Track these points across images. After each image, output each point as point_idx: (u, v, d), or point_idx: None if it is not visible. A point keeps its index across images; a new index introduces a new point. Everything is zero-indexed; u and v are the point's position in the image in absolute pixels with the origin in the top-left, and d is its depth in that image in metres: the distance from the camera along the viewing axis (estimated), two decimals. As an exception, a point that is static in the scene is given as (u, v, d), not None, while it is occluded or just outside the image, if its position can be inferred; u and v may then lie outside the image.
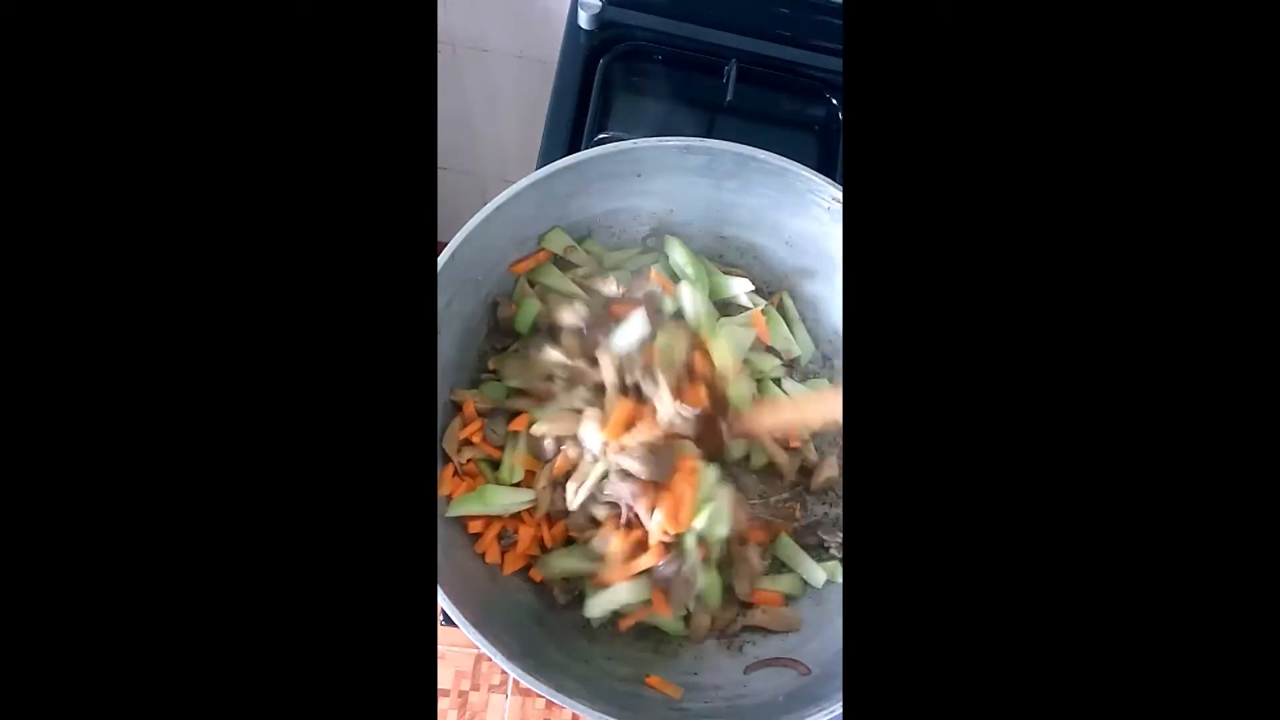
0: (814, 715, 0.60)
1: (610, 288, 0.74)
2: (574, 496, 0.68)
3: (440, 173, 1.43)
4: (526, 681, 0.58)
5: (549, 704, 1.39)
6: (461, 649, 1.50)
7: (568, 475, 0.70)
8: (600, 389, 0.70)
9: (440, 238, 0.74)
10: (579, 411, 0.70)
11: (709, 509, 0.66)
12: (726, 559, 0.72)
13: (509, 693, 1.48)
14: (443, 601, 0.58)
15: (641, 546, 0.67)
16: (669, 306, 0.73)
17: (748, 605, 0.73)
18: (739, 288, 0.78)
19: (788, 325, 0.80)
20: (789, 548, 0.75)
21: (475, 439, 0.72)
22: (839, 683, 0.62)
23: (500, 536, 0.71)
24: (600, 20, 0.89)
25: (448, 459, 0.71)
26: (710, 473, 0.68)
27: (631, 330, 0.69)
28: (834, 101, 0.91)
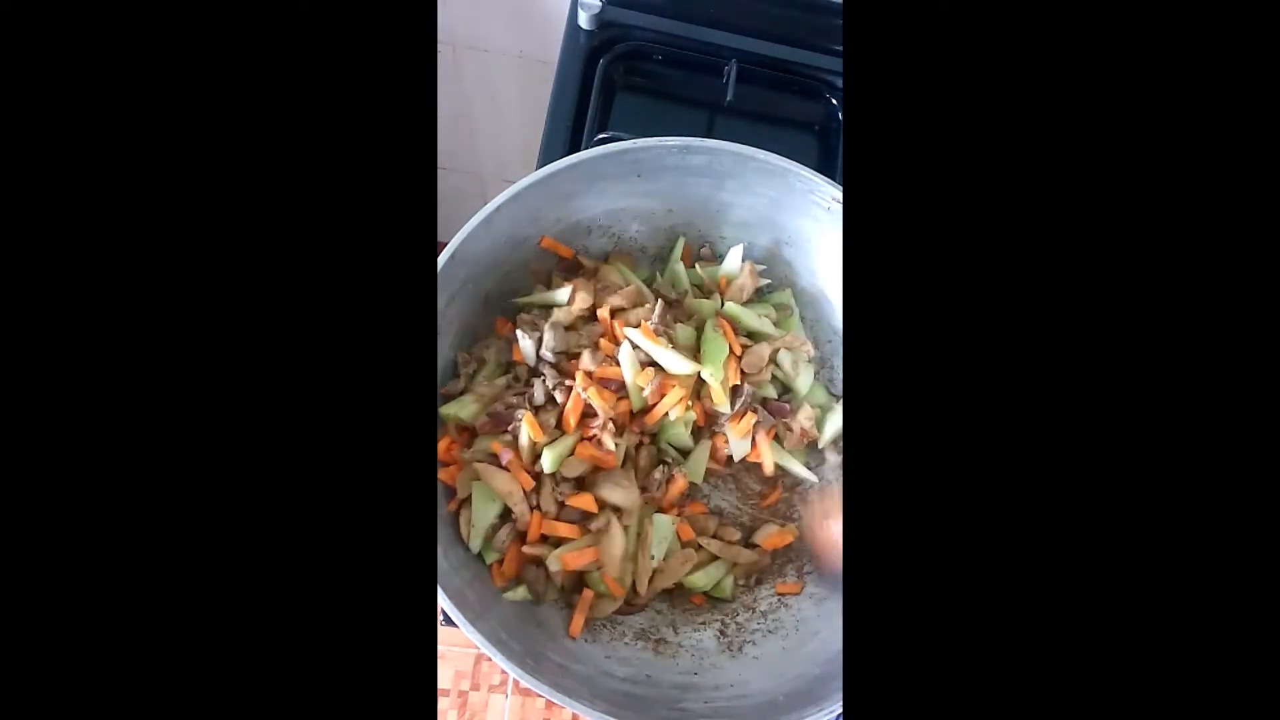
0: (814, 715, 0.60)
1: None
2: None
3: (440, 173, 1.43)
4: (526, 681, 0.58)
5: (549, 704, 1.39)
6: (461, 649, 1.50)
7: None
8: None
9: (440, 238, 0.74)
10: None
11: None
12: None
13: (509, 693, 1.48)
14: (443, 601, 0.58)
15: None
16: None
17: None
18: (732, 258, 0.78)
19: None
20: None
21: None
22: (839, 683, 0.62)
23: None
24: (600, 20, 0.89)
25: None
26: None
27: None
28: (834, 101, 0.91)
